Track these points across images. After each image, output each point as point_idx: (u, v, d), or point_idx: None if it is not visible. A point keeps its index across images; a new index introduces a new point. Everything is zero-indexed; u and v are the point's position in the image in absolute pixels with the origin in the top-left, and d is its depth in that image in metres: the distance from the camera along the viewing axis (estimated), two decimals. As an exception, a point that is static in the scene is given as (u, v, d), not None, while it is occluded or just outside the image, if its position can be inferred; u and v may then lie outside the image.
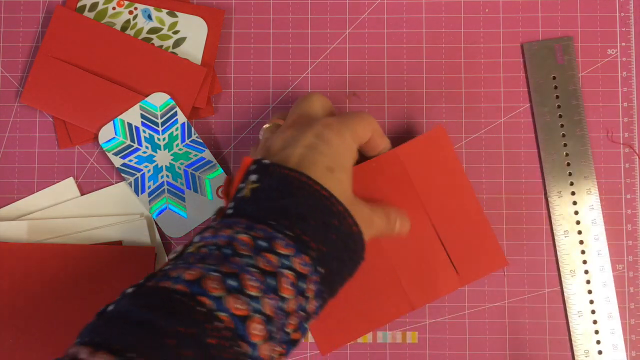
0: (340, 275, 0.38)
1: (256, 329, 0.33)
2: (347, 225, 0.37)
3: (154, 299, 0.32)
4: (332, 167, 0.39)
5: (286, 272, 0.34)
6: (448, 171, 0.45)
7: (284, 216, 0.36)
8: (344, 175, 0.39)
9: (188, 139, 0.49)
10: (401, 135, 0.50)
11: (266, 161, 0.38)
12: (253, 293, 0.33)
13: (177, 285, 0.32)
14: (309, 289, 0.36)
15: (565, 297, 0.49)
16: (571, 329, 0.48)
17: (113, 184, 0.50)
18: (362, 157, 0.45)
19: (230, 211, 0.37)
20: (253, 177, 0.38)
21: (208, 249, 0.35)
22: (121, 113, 0.49)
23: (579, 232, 0.49)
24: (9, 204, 0.50)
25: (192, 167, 0.49)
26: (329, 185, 0.37)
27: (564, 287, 0.49)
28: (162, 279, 0.33)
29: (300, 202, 0.36)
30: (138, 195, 0.49)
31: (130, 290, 0.34)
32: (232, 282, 0.33)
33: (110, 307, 0.33)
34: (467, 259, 0.45)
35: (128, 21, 0.50)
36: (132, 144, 0.49)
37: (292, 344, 0.35)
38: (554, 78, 0.50)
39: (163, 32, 0.50)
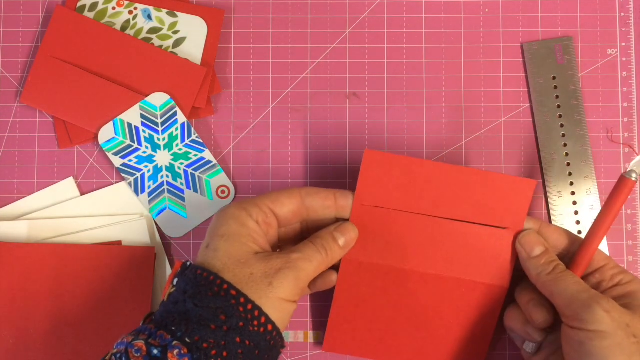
0: None
1: None
2: (256, 325, 0.36)
3: None
4: (209, 242, 0.39)
5: None
6: (408, 173, 0.43)
7: (185, 321, 0.36)
8: (222, 243, 0.39)
9: (188, 139, 0.49)
10: (401, 135, 0.50)
11: (188, 262, 0.39)
12: None
13: None
14: None
15: (565, 297, 0.49)
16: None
17: (113, 184, 0.50)
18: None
19: (153, 316, 0.38)
20: (174, 281, 0.38)
21: (114, 357, 0.35)
22: (121, 113, 0.49)
23: (579, 232, 0.49)
24: (9, 204, 0.50)
25: (192, 167, 0.49)
26: (208, 258, 0.38)
27: (564, 287, 0.49)
28: None
29: (204, 305, 0.36)
30: (138, 195, 0.49)
31: None
32: None
33: None
34: (502, 210, 0.43)
35: (128, 21, 0.50)
36: (132, 144, 0.49)
37: None
38: (554, 78, 0.50)
39: (163, 32, 0.50)
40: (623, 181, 0.41)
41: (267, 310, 0.37)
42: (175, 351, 0.34)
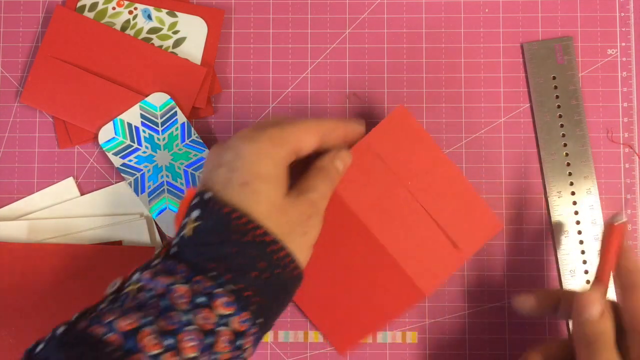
0: (277, 314, 0.38)
1: None
2: (289, 271, 0.37)
3: (82, 352, 0.31)
4: (247, 180, 0.37)
5: (224, 330, 0.34)
6: (421, 148, 0.45)
7: (226, 268, 0.35)
8: (263, 185, 0.37)
9: (188, 139, 0.49)
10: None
11: (208, 195, 0.37)
12: (190, 355, 0.32)
13: (110, 335, 0.31)
14: (246, 342, 0.35)
15: (565, 297, 0.49)
16: (571, 329, 0.48)
17: (113, 184, 0.50)
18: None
19: (174, 249, 0.37)
20: (195, 213, 0.37)
21: (146, 294, 0.34)
22: (121, 113, 0.49)
23: (579, 232, 0.49)
24: (9, 204, 0.50)
25: (192, 167, 0.49)
26: (246, 200, 0.36)
27: (564, 287, 0.49)
28: (94, 322, 0.32)
29: (242, 251, 0.35)
30: (138, 195, 0.49)
31: (61, 329, 0.33)
32: (169, 341, 0.32)
33: (40, 348, 0.32)
34: (463, 231, 0.45)
35: (128, 21, 0.50)
36: (132, 144, 0.49)
37: None
38: (554, 78, 0.50)
39: (163, 32, 0.50)
40: (612, 228, 0.41)
41: (299, 256, 0.37)
42: (222, 300, 0.34)
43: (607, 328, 0.38)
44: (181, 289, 0.34)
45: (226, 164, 0.38)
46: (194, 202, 0.37)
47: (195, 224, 0.36)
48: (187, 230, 0.36)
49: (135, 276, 0.36)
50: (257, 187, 0.37)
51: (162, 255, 0.36)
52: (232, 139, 0.39)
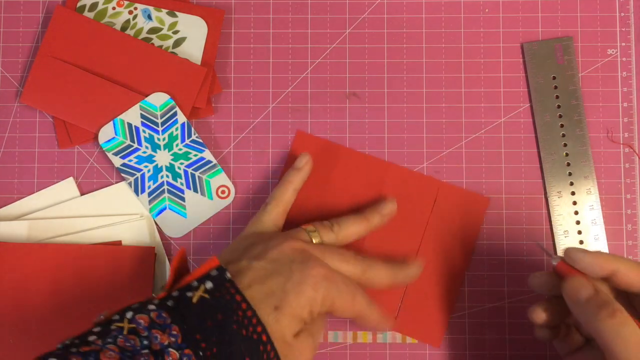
0: None
1: None
2: None
3: None
4: (279, 305, 0.38)
5: None
6: (464, 231, 0.48)
7: (214, 350, 0.35)
8: (287, 317, 0.38)
9: (188, 139, 0.49)
10: (401, 135, 0.50)
11: (228, 276, 0.38)
12: None
13: None
14: None
15: (565, 297, 0.49)
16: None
17: (113, 184, 0.50)
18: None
19: (171, 302, 0.37)
20: (209, 285, 0.37)
21: (141, 342, 0.34)
22: (121, 113, 0.49)
23: (579, 232, 0.49)
24: (9, 204, 0.50)
25: (192, 167, 0.49)
26: (264, 312, 0.37)
27: (564, 287, 0.49)
28: None
29: (235, 342, 0.36)
30: (138, 195, 0.49)
31: None
32: None
33: None
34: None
35: (128, 21, 0.50)
36: (132, 144, 0.49)
37: None
38: (554, 78, 0.50)
39: (163, 32, 0.50)
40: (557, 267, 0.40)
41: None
42: None
43: (605, 300, 0.37)
44: (174, 355, 0.34)
45: (265, 262, 0.39)
46: (212, 272, 0.38)
47: (204, 295, 0.37)
48: (194, 296, 0.37)
49: (129, 314, 0.36)
50: (282, 315, 0.38)
51: (157, 303, 0.37)
52: (280, 239, 0.41)
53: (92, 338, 0.35)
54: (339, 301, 0.40)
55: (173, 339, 0.35)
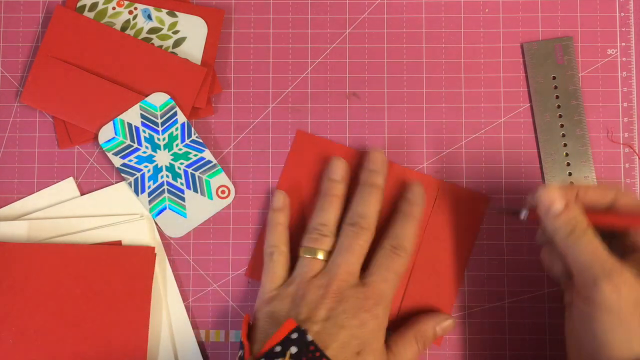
0: None
1: None
2: None
3: None
4: (361, 350, 0.40)
5: None
6: (465, 229, 0.49)
7: None
8: (370, 357, 0.40)
9: (188, 139, 0.49)
10: (401, 135, 0.50)
11: (309, 338, 0.39)
12: None
13: None
14: None
15: (565, 297, 0.49)
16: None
17: (113, 184, 0.50)
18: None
19: None
20: (293, 350, 0.38)
21: None
22: (121, 113, 0.49)
23: (579, 232, 0.49)
24: (9, 204, 0.50)
25: (192, 167, 0.49)
26: None
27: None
28: None
29: None
30: (138, 195, 0.49)
31: None
32: None
33: None
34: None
35: (128, 21, 0.50)
36: (132, 144, 0.49)
37: None
38: (554, 78, 0.50)
39: (163, 32, 0.50)
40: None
41: None
42: None
43: (577, 215, 0.39)
44: None
45: (341, 325, 0.41)
46: (292, 335, 0.39)
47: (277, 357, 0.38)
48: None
49: None
50: (366, 357, 0.40)
51: None
52: (315, 288, 0.43)
53: None
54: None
55: None
